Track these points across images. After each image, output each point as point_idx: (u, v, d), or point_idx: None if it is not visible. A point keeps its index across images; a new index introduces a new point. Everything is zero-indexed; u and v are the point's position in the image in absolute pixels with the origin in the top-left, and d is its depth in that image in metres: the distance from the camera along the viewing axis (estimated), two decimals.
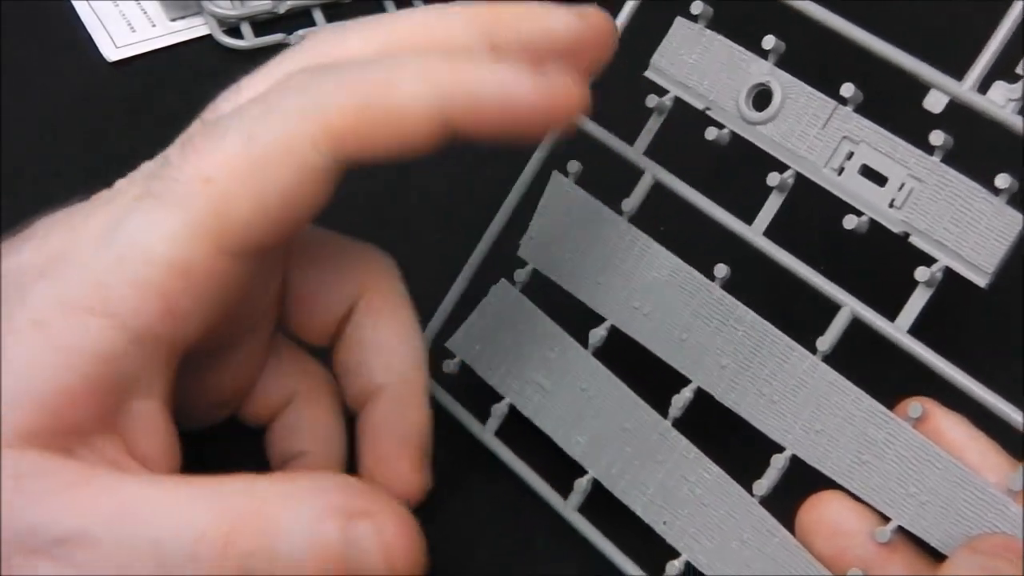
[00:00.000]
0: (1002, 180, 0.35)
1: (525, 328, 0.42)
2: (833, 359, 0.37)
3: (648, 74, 0.41)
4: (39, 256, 0.31)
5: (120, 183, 0.33)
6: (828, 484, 0.36)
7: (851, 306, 0.37)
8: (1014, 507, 0.33)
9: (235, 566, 0.29)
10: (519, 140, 0.34)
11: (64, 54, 0.55)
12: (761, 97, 0.39)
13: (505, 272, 0.42)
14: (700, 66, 0.40)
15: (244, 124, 0.31)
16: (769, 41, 0.38)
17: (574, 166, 0.41)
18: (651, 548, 0.38)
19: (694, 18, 0.40)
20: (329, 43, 0.34)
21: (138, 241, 0.30)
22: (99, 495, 0.29)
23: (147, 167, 0.33)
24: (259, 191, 0.31)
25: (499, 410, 0.41)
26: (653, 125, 0.41)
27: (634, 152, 0.41)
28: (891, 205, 0.37)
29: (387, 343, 0.38)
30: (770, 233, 0.38)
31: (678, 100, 0.40)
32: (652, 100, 0.40)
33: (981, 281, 0.35)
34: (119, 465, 0.31)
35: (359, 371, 0.38)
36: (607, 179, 0.41)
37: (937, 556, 0.34)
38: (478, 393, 0.42)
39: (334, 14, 0.56)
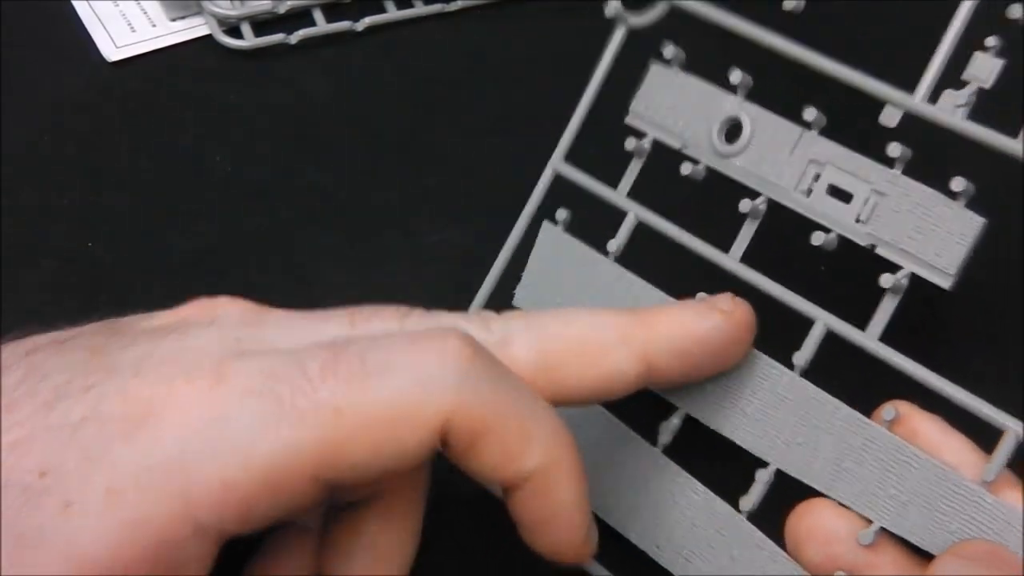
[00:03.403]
0: (957, 184, 0.36)
1: None
2: (814, 373, 0.37)
3: (628, 121, 0.43)
4: (125, 406, 0.29)
5: (254, 366, 0.30)
6: (811, 494, 0.36)
7: (824, 320, 0.37)
8: (990, 498, 0.34)
9: None
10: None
11: (64, 54, 0.55)
12: (733, 130, 0.40)
13: None
14: (676, 107, 0.41)
15: (392, 380, 0.30)
16: (736, 76, 0.40)
17: (562, 214, 0.43)
18: (644, 571, 0.38)
19: (667, 61, 0.42)
20: (497, 335, 0.34)
21: (242, 443, 0.29)
22: None
23: (284, 368, 0.30)
24: (378, 447, 0.30)
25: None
26: (634, 168, 0.42)
27: (617, 195, 0.42)
28: (858, 220, 0.37)
29: (386, 545, 0.35)
30: (748, 257, 0.39)
31: (655, 140, 0.42)
32: (631, 143, 0.42)
33: (945, 283, 0.36)
34: None
35: (338, 555, 0.35)
36: (595, 223, 0.42)
37: (925, 556, 0.34)
38: None
39: (334, 14, 0.57)
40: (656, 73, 0.42)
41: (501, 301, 0.44)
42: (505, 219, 0.44)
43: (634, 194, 0.42)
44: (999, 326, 0.44)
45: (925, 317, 0.37)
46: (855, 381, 0.37)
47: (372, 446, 0.30)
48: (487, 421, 0.31)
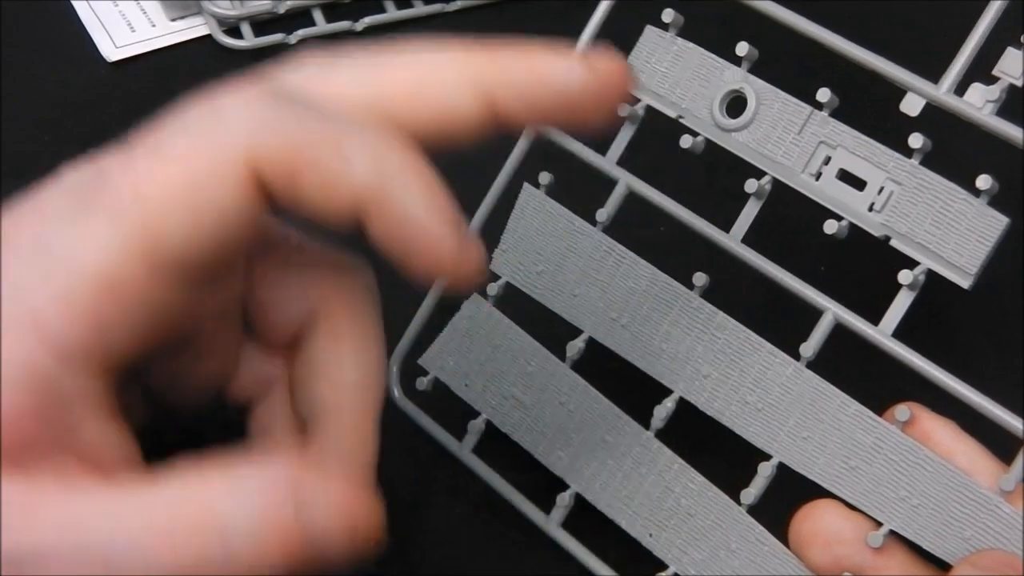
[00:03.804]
0: (983, 181, 0.35)
1: (500, 343, 0.41)
2: (818, 365, 0.37)
3: None
4: None
5: (50, 189, 0.31)
6: (816, 491, 0.36)
7: (833, 311, 0.36)
8: (1007, 507, 0.33)
9: (192, 567, 0.28)
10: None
11: (64, 54, 0.54)
12: (735, 104, 0.39)
13: (477, 286, 0.41)
14: (672, 74, 0.40)
15: (185, 141, 0.30)
16: (743, 48, 0.38)
17: (545, 177, 0.41)
18: (638, 561, 0.38)
19: (665, 26, 0.40)
20: (315, 75, 0.32)
21: (67, 256, 0.29)
22: (49, 514, 0.28)
23: (80, 175, 0.31)
24: (193, 213, 0.29)
25: (476, 426, 0.41)
26: (625, 134, 0.40)
27: (607, 162, 0.40)
28: (871, 209, 0.36)
29: (337, 366, 0.35)
30: (748, 240, 0.38)
31: (651, 108, 0.40)
32: (624, 109, 0.40)
33: (964, 282, 0.35)
34: (71, 483, 0.30)
35: (306, 389, 0.35)
36: (580, 190, 0.40)
37: (932, 559, 0.34)
38: (453, 410, 0.41)
39: (334, 14, 0.56)
40: (651, 36, 0.40)
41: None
42: (482, 183, 0.42)
43: (626, 165, 0.40)
44: (1004, 325, 0.44)
45: (928, 313, 0.36)
46: (854, 376, 0.36)
47: (188, 215, 0.29)
48: (296, 150, 0.30)
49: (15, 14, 0.54)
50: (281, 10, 0.55)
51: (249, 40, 0.55)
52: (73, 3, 0.56)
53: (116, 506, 0.29)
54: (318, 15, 0.56)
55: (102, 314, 0.29)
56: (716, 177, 0.39)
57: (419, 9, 0.57)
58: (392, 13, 0.57)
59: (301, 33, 0.55)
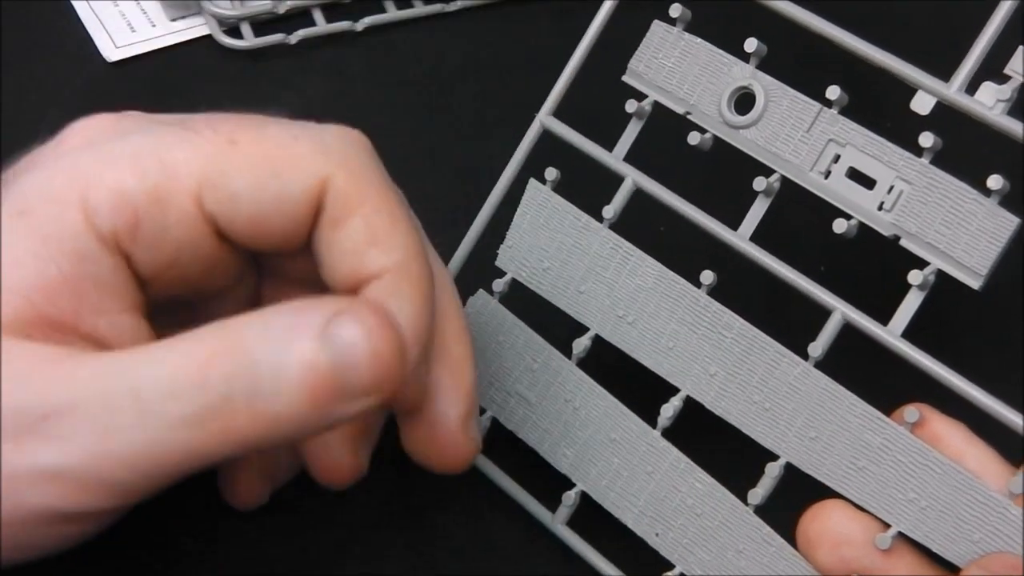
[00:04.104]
0: (994, 181, 0.35)
1: (505, 339, 0.41)
2: (825, 365, 0.36)
3: (626, 79, 0.40)
4: (31, 156, 0.33)
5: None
6: (823, 491, 0.36)
7: (842, 310, 0.36)
8: (1016, 510, 0.33)
9: (217, 396, 0.28)
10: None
11: (64, 54, 0.54)
12: (743, 101, 0.39)
13: (482, 283, 0.41)
14: (679, 70, 0.39)
15: (291, 128, 0.33)
16: (751, 44, 0.38)
17: (552, 173, 0.41)
18: (644, 561, 0.38)
19: (672, 21, 0.39)
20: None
21: (135, 155, 0.32)
22: (79, 366, 0.29)
23: (183, 117, 0.34)
24: (262, 177, 0.32)
25: (481, 423, 0.40)
26: (633, 130, 0.40)
27: (613, 158, 0.40)
28: (880, 208, 0.36)
29: (373, 230, 0.33)
30: (756, 238, 0.38)
31: (659, 105, 0.40)
32: (631, 105, 0.40)
33: (974, 283, 0.35)
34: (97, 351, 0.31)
35: (344, 261, 0.33)
36: (586, 186, 0.40)
37: (941, 562, 0.34)
38: None
39: (334, 14, 0.56)
40: (658, 31, 0.40)
41: (484, 259, 0.42)
42: (488, 178, 0.42)
43: (633, 161, 0.40)
44: (1005, 326, 0.44)
45: (928, 314, 0.36)
46: (857, 376, 0.36)
47: (255, 179, 0.32)
48: (363, 194, 0.32)
49: (15, 14, 0.54)
50: (281, 10, 0.55)
51: (249, 40, 0.54)
52: (73, 3, 0.55)
53: (143, 352, 0.30)
54: (318, 15, 0.56)
55: (143, 219, 0.31)
56: (722, 174, 0.38)
57: (419, 9, 0.57)
58: (392, 13, 0.56)
59: (301, 33, 0.55)
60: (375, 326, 0.29)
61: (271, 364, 0.28)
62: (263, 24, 0.55)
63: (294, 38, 0.55)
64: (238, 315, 0.30)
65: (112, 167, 0.31)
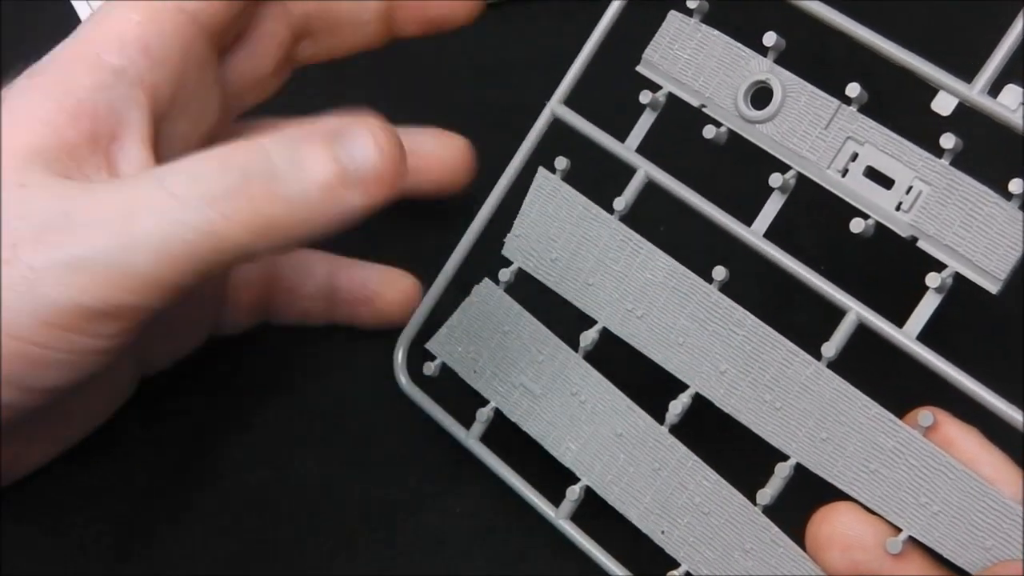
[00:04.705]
0: (1016, 185, 0.34)
1: (511, 330, 0.40)
2: (833, 364, 0.36)
3: (640, 69, 0.40)
4: None
5: None
6: (833, 493, 0.35)
7: (857, 311, 0.36)
8: None
9: (239, 176, 0.31)
10: None
11: None
12: (760, 95, 0.38)
13: (489, 271, 0.41)
14: (695, 62, 0.39)
15: None
16: (770, 38, 0.37)
17: (561, 162, 0.40)
18: (649, 558, 0.37)
19: (689, 12, 0.39)
20: None
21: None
22: (98, 175, 0.32)
23: None
24: None
25: (484, 415, 0.40)
26: (646, 121, 0.40)
27: (625, 149, 0.39)
28: (898, 208, 0.36)
29: None
30: (769, 235, 0.37)
31: (673, 98, 0.39)
32: (645, 96, 0.39)
33: (992, 287, 0.35)
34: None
35: None
36: (597, 177, 0.40)
37: (952, 567, 0.34)
38: (462, 397, 0.40)
39: None
40: (674, 21, 0.39)
41: (491, 248, 0.41)
42: (497, 164, 0.41)
43: (646, 154, 0.39)
44: (1005, 326, 0.43)
45: (954, 316, 0.36)
46: (867, 376, 0.36)
47: None
48: None
49: (15, 14, 0.53)
50: None
51: None
52: (73, 3, 0.54)
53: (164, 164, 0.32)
54: None
55: (148, 41, 0.34)
56: (736, 169, 0.38)
57: None
58: None
59: None
60: (378, 128, 0.32)
61: (285, 156, 0.31)
62: None
63: None
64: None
65: (113, 20, 0.35)
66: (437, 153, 0.43)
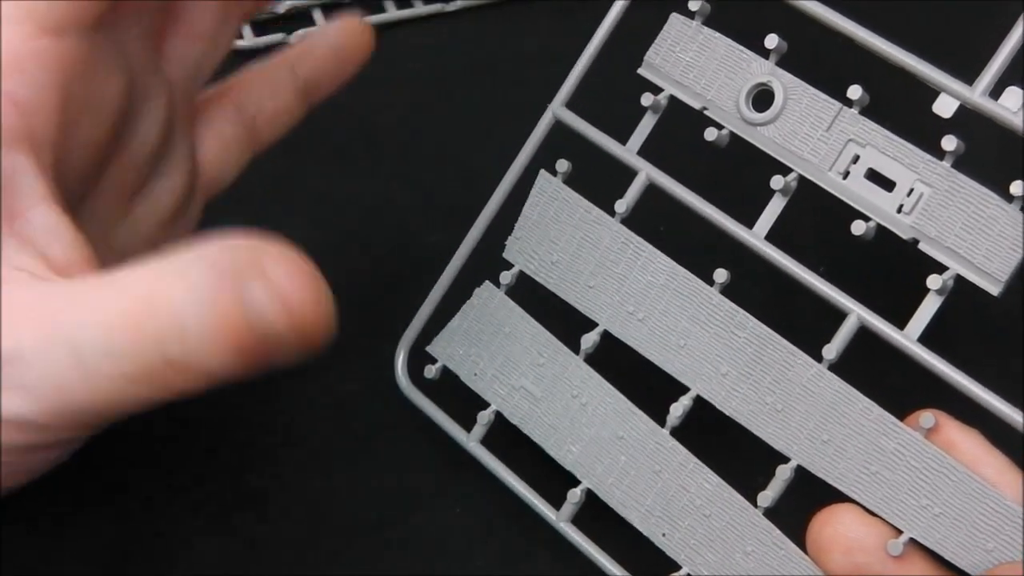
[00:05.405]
0: (1017, 187, 0.34)
1: (512, 332, 0.40)
2: (834, 366, 0.36)
3: (641, 71, 0.40)
4: None
5: None
6: (834, 495, 0.35)
7: (858, 313, 0.36)
8: None
9: (154, 352, 0.28)
10: None
11: None
12: (761, 97, 0.38)
13: (489, 274, 0.41)
14: (697, 64, 0.39)
15: None
16: (772, 40, 0.37)
17: (563, 165, 0.40)
18: (650, 561, 0.37)
19: (691, 15, 0.39)
20: None
21: None
22: (21, 309, 0.29)
23: None
24: None
25: (485, 417, 0.40)
26: (647, 124, 0.40)
27: (627, 151, 0.39)
28: (899, 210, 0.36)
29: None
30: (771, 237, 0.37)
31: (675, 100, 0.39)
32: (647, 98, 0.39)
33: (994, 289, 0.35)
34: (34, 273, 0.30)
35: None
36: (598, 180, 0.40)
37: (953, 570, 0.34)
38: (462, 399, 0.40)
39: (334, 14, 0.54)
40: (676, 24, 0.39)
41: (492, 250, 0.41)
42: (498, 167, 0.41)
43: (648, 156, 0.39)
44: (1005, 327, 0.43)
45: (954, 319, 0.36)
46: (866, 378, 0.36)
47: None
48: None
49: None
50: (281, 10, 0.55)
51: (249, 40, 0.54)
52: None
53: (80, 297, 0.29)
54: (318, 15, 0.55)
55: (13, 92, 0.30)
56: (737, 171, 0.38)
57: (419, 9, 0.56)
58: (392, 13, 0.56)
59: (301, 33, 0.54)
60: (289, 287, 0.28)
61: (195, 316, 0.28)
62: (263, 24, 0.55)
63: (294, 38, 0.54)
64: (158, 259, 0.29)
65: None
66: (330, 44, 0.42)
